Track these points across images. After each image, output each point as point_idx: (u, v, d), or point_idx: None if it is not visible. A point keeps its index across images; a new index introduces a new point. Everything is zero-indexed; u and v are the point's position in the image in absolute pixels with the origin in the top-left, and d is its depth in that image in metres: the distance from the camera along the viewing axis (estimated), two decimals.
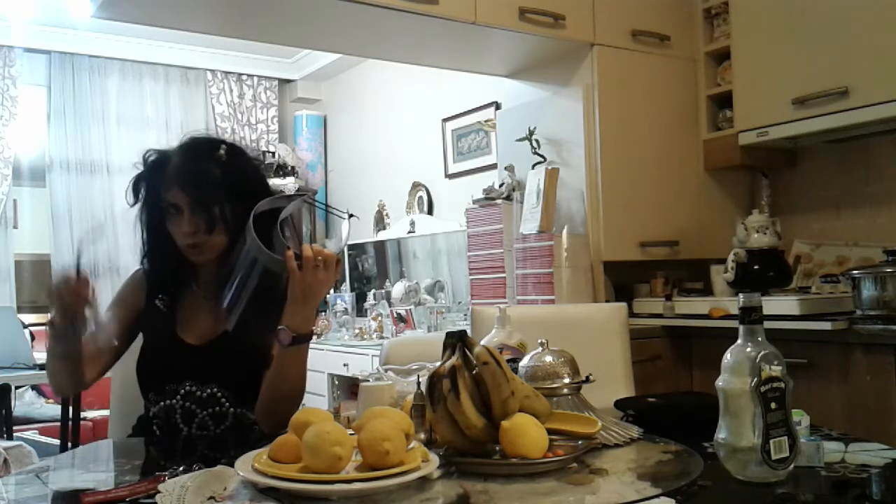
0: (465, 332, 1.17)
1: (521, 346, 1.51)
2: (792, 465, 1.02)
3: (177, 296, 1.63)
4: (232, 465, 1.07)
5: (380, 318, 4.45)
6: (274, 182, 5.37)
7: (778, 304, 2.38)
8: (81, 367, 1.51)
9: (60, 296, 1.38)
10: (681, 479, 1.03)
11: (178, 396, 1.54)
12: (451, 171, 4.66)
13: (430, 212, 4.82)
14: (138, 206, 1.59)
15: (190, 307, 1.62)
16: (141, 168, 1.59)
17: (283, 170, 5.50)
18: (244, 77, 5.84)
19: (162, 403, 1.55)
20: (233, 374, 1.54)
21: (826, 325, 2.25)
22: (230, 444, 1.47)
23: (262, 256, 1.39)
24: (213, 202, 1.52)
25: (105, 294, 1.52)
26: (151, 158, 1.59)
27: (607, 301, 2.86)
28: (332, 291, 5.22)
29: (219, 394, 1.54)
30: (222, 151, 1.57)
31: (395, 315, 4.42)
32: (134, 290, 1.65)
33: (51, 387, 1.63)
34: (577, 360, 1.34)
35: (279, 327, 1.40)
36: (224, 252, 1.55)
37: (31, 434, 3.81)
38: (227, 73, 5.76)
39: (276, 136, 5.94)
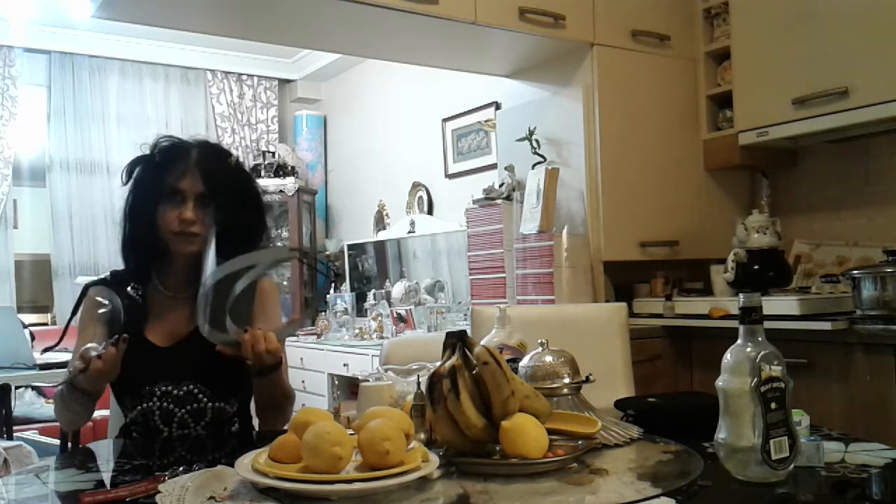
0: (465, 332, 1.17)
1: (521, 346, 1.51)
2: (792, 465, 1.02)
3: (143, 294, 1.63)
4: (232, 466, 1.07)
5: (380, 318, 4.45)
6: (274, 182, 5.38)
7: (778, 304, 2.38)
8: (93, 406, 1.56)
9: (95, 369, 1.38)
10: (681, 479, 1.03)
11: (155, 398, 1.55)
12: (451, 171, 4.66)
13: (430, 212, 4.82)
14: (128, 187, 1.61)
15: (156, 307, 1.63)
16: (147, 151, 1.61)
17: (283, 170, 5.50)
18: (244, 77, 5.84)
19: (139, 407, 1.56)
20: (207, 370, 1.56)
21: (826, 325, 2.25)
22: (210, 443, 1.50)
23: (213, 337, 1.41)
24: (219, 200, 1.57)
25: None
26: (165, 144, 1.61)
27: (607, 301, 2.86)
28: (332, 291, 5.22)
29: (195, 390, 1.56)
30: (234, 159, 1.65)
31: (395, 315, 4.42)
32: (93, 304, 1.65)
33: (62, 426, 1.66)
34: (577, 360, 1.34)
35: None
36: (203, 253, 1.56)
37: (31, 434, 3.81)
38: (227, 73, 5.76)
39: (276, 136, 5.94)
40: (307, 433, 1.01)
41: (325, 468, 0.99)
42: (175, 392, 1.55)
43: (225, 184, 1.59)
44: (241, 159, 1.72)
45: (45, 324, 5.20)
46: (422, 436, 1.18)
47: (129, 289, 1.61)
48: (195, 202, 1.56)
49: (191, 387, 1.56)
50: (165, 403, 1.55)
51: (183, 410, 1.55)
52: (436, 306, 4.29)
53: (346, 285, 5.31)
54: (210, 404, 1.57)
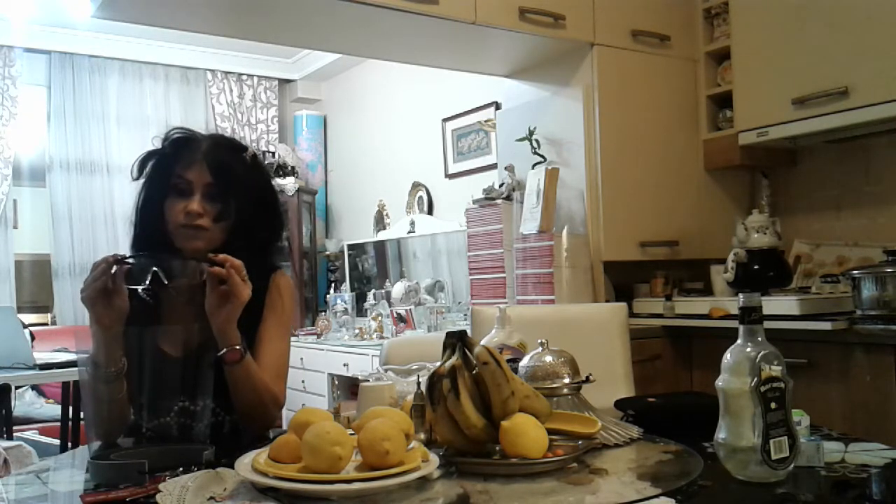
0: (465, 332, 1.16)
1: (521, 346, 1.51)
2: (792, 465, 1.02)
3: (156, 298, 1.56)
4: (232, 466, 1.07)
5: (380, 318, 4.45)
6: (274, 182, 5.37)
7: (778, 304, 2.38)
8: (126, 399, 1.46)
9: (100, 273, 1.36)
10: (681, 479, 1.03)
11: (173, 413, 1.49)
12: (451, 171, 4.66)
13: (430, 212, 4.82)
14: (139, 183, 1.55)
15: (168, 312, 1.56)
16: (159, 144, 1.55)
17: (283, 170, 5.50)
18: (244, 77, 5.84)
19: (156, 421, 1.50)
20: (221, 379, 1.48)
21: (826, 325, 2.25)
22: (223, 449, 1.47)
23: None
24: (229, 194, 1.51)
25: None
26: (175, 135, 1.55)
27: (607, 301, 2.86)
28: (332, 291, 5.22)
29: (213, 405, 1.48)
30: (248, 154, 1.59)
31: (395, 315, 4.42)
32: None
33: (97, 437, 1.43)
34: (577, 360, 1.34)
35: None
36: (214, 251, 1.49)
37: (31, 434, 3.80)
38: (227, 73, 5.76)
39: (276, 136, 5.94)
40: (307, 433, 1.01)
41: (325, 468, 0.99)
42: (193, 408, 1.48)
43: (235, 177, 1.52)
44: (258, 156, 1.64)
45: (45, 324, 5.19)
46: (422, 436, 1.18)
47: (140, 290, 1.50)
48: (202, 194, 1.49)
49: (208, 401, 1.47)
50: (183, 419, 1.48)
51: (201, 425, 1.47)
52: (436, 306, 4.29)
53: (346, 285, 5.31)
54: (228, 417, 1.52)
